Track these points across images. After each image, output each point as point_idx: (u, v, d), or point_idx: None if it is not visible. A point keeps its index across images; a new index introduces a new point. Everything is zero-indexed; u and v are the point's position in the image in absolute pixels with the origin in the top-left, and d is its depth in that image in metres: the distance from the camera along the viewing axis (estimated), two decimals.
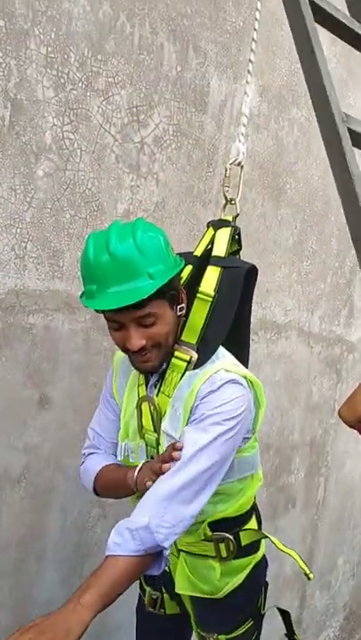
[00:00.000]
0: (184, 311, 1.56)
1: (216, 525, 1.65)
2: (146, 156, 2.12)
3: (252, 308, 2.64)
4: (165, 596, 1.82)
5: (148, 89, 2.09)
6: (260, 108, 2.53)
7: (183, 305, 1.55)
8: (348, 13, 1.73)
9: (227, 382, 1.50)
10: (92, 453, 1.75)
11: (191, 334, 1.56)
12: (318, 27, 1.49)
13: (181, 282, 1.62)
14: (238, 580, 1.72)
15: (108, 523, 2.24)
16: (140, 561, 1.38)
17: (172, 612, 1.84)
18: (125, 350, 1.51)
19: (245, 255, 2.57)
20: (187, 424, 1.53)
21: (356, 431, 1.90)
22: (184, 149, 2.24)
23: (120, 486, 1.63)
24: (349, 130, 1.37)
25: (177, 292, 1.52)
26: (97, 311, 1.49)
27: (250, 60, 1.82)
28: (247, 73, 1.82)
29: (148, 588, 1.85)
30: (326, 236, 3.01)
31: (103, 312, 1.47)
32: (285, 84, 2.62)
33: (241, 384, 1.53)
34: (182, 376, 1.54)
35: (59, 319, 1.96)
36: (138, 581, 1.89)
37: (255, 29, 1.83)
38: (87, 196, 1.97)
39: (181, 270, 1.59)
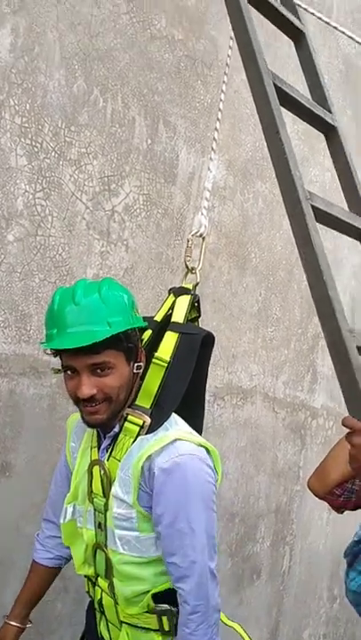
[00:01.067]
0: (141, 370, 1.57)
1: (160, 597, 1.59)
2: (116, 223, 2.16)
3: (219, 373, 2.66)
4: None
5: (119, 160, 2.15)
6: (226, 181, 2.63)
7: (141, 364, 1.57)
8: (310, 98, 1.83)
9: (185, 458, 1.49)
10: (43, 529, 1.82)
11: (145, 399, 1.56)
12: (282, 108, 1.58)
13: (142, 344, 1.64)
14: None
15: (70, 597, 2.15)
16: None
17: None
18: (76, 400, 1.51)
19: (212, 320, 2.60)
20: (139, 488, 1.51)
21: (324, 502, 1.90)
22: (153, 218, 2.29)
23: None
24: (313, 207, 1.43)
25: (135, 347, 1.54)
26: (54, 354, 1.50)
27: (214, 139, 1.91)
28: (211, 150, 1.89)
29: None
30: (290, 303, 3.08)
31: (60, 355, 1.50)
32: (250, 159, 2.73)
33: (198, 456, 1.52)
34: (134, 441, 1.53)
35: (24, 383, 1.94)
36: None
37: (220, 110, 1.93)
38: (57, 261, 1.99)
39: (143, 329, 1.61)
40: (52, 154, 1.96)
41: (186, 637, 1.49)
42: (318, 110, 1.73)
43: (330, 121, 1.77)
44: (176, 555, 1.48)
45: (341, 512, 1.83)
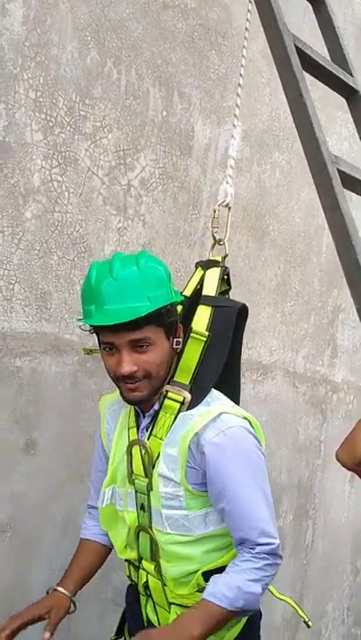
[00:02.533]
0: (180, 346, 1.53)
1: (210, 575, 1.56)
2: (133, 198, 2.13)
3: None
4: None
5: (134, 133, 2.11)
6: (242, 152, 2.58)
7: (180, 339, 1.53)
8: (329, 59, 1.79)
9: (235, 431, 1.47)
10: (90, 512, 1.77)
11: (184, 375, 1.53)
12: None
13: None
14: (233, 634, 1.63)
15: (97, 573, 2.16)
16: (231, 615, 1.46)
17: None
18: (116, 378, 1.48)
19: (231, 296, 2.57)
20: (187, 466, 1.49)
21: (349, 472, 1.88)
22: (170, 192, 2.26)
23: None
24: (339, 171, 1.39)
25: (174, 322, 1.51)
26: (93, 331, 1.47)
27: (236, 105, 1.85)
28: (233, 117, 1.84)
29: None
30: (309, 276, 3.04)
31: (98, 333, 1.46)
32: (267, 129, 2.67)
33: (246, 428, 1.51)
34: (175, 418, 1.51)
35: (46, 362, 1.92)
36: (123, 637, 1.82)
37: (241, 75, 1.87)
38: (75, 238, 1.96)
39: (180, 303, 1.58)
40: (68, 128, 1.93)
41: (233, 572, 1.46)
42: (340, 73, 1.68)
43: (352, 84, 1.72)
44: (243, 529, 1.47)
45: None
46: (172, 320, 1.50)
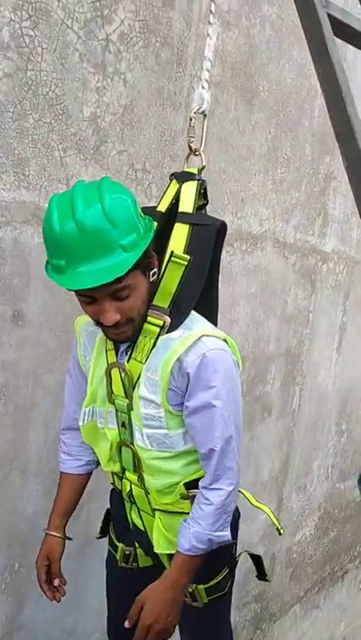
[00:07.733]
0: (156, 276, 1.50)
1: (191, 484, 1.64)
2: (112, 54, 1.98)
3: (228, 218, 2.59)
4: (139, 550, 1.82)
5: None
6: (229, 4, 2.38)
7: (155, 270, 1.49)
8: None
9: (215, 352, 1.48)
10: (63, 441, 1.86)
11: (163, 298, 1.51)
12: None
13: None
14: None
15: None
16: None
17: (145, 564, 1.84)
18: (99, 323, 1.47)
19: (219, 162, 2.49)
20: (168, 388, 1.50)
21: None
22: (152, 48, 2.10)
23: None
24: (329, 15, 1.28)
25: (151, 258, 1.47)
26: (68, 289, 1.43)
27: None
28: (210, 13, 1.67)
29: (120, 545, 1.84)
30: (300, 142, 2.92)
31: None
32: None
33: (226, 350, 1.52)
34: (155, 341, 1.51)
35: (27, 232, 1.88)
36: (108, 537, 1.92)
37: None
38: (51, 99, 1.85)
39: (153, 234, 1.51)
40: None
41: (201, 519, 1.53)
42: None
43: None
44: (212, 440, 1.51)
45: None
46: (149, 257, 1.44)
